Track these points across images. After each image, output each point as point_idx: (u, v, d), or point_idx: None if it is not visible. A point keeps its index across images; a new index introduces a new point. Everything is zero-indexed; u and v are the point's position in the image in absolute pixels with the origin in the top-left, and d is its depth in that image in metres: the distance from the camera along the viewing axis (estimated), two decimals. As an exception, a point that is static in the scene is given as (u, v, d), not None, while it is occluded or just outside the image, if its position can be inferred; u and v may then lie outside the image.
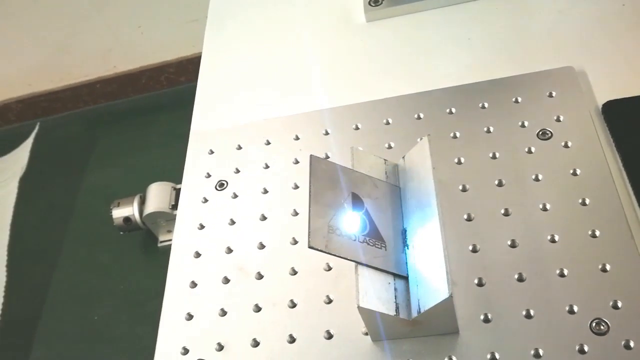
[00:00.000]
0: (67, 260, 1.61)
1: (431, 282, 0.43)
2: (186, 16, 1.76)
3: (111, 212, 1.48)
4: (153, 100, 1.93)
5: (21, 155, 1.82)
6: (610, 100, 0.54)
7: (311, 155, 0.46)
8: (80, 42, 1.83)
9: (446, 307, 0.42)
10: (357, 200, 0.47)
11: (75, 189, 1.74)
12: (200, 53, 1.94)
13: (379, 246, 0.45)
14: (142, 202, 1.49)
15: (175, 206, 1.45)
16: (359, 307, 0.42)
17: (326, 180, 0.46)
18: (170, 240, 1.67)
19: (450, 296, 0.41)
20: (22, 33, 1.79)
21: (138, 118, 1.90)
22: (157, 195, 1.50)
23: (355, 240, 0.44)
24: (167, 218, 1.49)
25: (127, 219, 1.48)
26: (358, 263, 0.44)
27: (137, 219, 1.47)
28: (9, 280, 1.55)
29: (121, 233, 1.50)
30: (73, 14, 1.77)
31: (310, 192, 0.45)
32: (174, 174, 1.61)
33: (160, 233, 1.53)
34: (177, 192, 1.47)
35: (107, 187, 1.70)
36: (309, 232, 0.42)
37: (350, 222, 0.45)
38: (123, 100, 1.94)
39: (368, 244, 0.45)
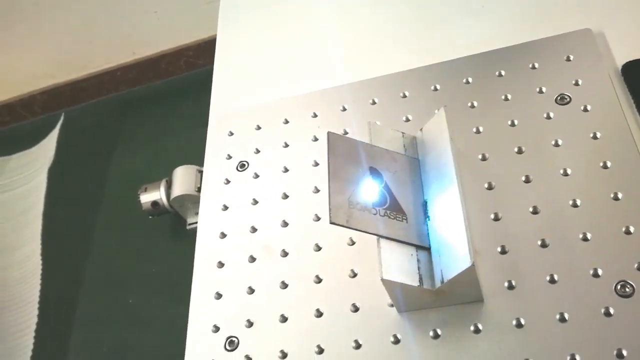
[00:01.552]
0: (99, 245, 1.64)
1: (453, 252, 0.43)
2: (201, -2, 1.77)
3: (139, 197, 1.50)
4: (174, 85, 1.94)
5: (49, 145, 1.86)
6: (631, 61, 0.53)
7: (329, 132, 0.47)
8: (98, 30, 1.84)
9: (469, 275, 0.42)
10: (376, 174, 0.47)
11: (103, 176, 1.77)
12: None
13: (400, 219, 0.46)
14: (169, 186, 1.51)
15: (201, 189, 1.47)
16: (382, 280, 0.43)
17: (345, 156, 0.47)
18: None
19: (473, 264, 0.41)
20: (41, 26, 1.82)
21: (160, 103, 1.91)
22: (183, 178, 1.52)
23: (376, 214, 0.45)
24: (193, 200, 1.51)
25: (155, 203, 1.51)
26: (380, 236, 0.44)
27: (164, 203, 1.50)
28: (45, 268, 1.59)
29: (150, 217, 1.52)
30: (91, 3, 1.78)
31: (329, 168, 0.45)
32: (198, 157, 1.63)
33: (188, 215, 1.55)
34: (202, 174, 1.49)
35: (133, 173, 1.73)
36: (329, 209, 0.43)
37: (370, 196, 0.45)
38: (145, 86, 1.96)
39: (389, 217, 0.45)
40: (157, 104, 1.91)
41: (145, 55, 1.91)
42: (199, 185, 1.48)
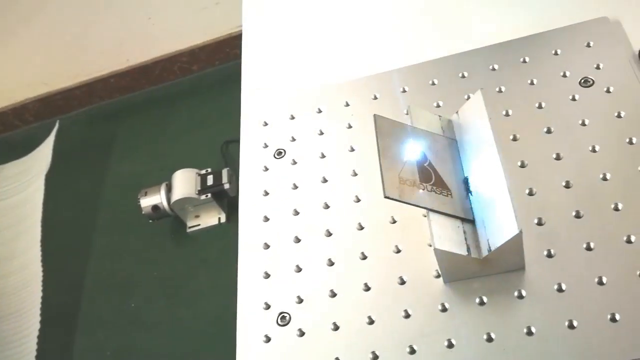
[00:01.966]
0: (100, 251, 1.65)
1: (499, 222, 0.46)
2: (195, 4, 1.79)
3: (139, 202, 1.51)
4: (168, 91, 1.96)
5: (44, 152, 1.86)
6: (646, 46, 0.57)
7: (375, 115, 0.50)
8: (92, 38, 1.85)
9: (516, 242, 0.45)
10: (421, 154, 0.50)
11: (100, 181, 1.78)
12: (211, 40, 1.95)
13: (446, 194, 0.49)
14: (169, 190, 1.53)
15: (201, 191, 1.49)
16: (435, 250, 0.45)
17: (391, 137, 0.50)
18: (199, 225, 1.70)
19: (520, 231, 0.44)
20: (35, 34, 1.82)
21: (155, 109, 1.92)
22: (182, 181, 1.53)
23: (424, 189, 0.48)
24: (194, 203, 1.52)
25: (155, 207, 1.52)
26: (429, 210, 0.47)
27: (165, 206, 1.51)
28: (46, 275, 1.59)
29: (150, 221, 1.53)
30: (83, 11, 1.79)
31: (378, 147, 0.48)
32: (196, 160, 1.65)
33: (188, 218, 1.56)
34: (202, 177, 1.51)
35: (131, 178, 1.74)
36: (383, 184, 0.46)
37: (417, 173, 0.48)
38: (139, 92, 1.97)
39: (435, 192, 0.48)
40: (151, 110, 1.92)
41: (139, 62, 1.92)
42: (199, 188, 1.50)
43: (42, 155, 1.86)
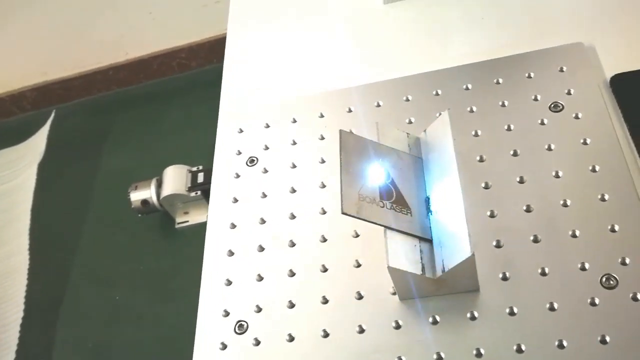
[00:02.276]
0: (87, 242, 1.65)
1: (454, 243, 0.47)
2: (196, 2, 1.79)
3: (129, 196, 1.52)
4: (165, 86, 1.96)
5: (38, 141, 1.86)
6: (618, 74, 0.58)
7: (341, 130, 0.50)
8: (92, 29, 1.86)
9: (469, 265, 0.46)
10: (383, 171, 0.50)
11: (92, 174, 1.78)
12: (210, 38, 1.95)
13: (405, 212, 0.49)
14: (159, 185, 1.53)
15: (191, 188, 1.50)
16: (389, 267, 0.46)
17: (355, 153, 0.50)
18: (187, 221, 1.71)
19: (473, 254, 0.44)
20: (36, 22, 1.83)
21: (151, 103, 1.93)
22: (173, 178, 1.54)
23: (383, 207, 0.48)
24: (183, 200, 1.53)
25: (144, 202, 1.52)
26: (387, 227, 0.48)
27: (154, 202, 1.52)
28: (32, 264, 1.60)
29: (139, 215, 1.54)
30: (85, 3, 1.80)
31: (340, 163, 0.49)
32: (188, 157, 1.66)
33: (177, 215, 1.57)
34: (193, 174, 1.52)
35: (123, 172, 1.74)
36: (341, 200, 0.46)
37: (379, 190, 0.49)
38: (136, 86, 1.98)
39: (395, 210, 0.49)
40: (147, 104, 1.93)
41: (138, 56, 1.93)
42: (189, 185, 1.50)
43: (36, 144, 1.87)
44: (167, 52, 1.92)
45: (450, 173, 0.50)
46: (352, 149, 0.50)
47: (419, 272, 0.47)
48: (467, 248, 0.45)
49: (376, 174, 0.50)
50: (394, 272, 0.47)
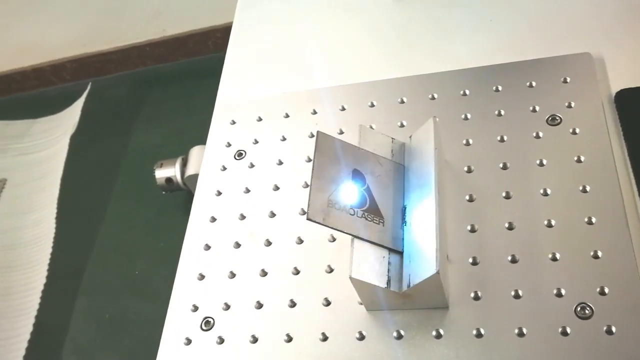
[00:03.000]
0: (113, 215, 1.68)
1: (423, 258, 0.45)
2: (235, -18, 1.78)
3: (154, 173, 1.54)
4: (199, 65, 1.97)
5: (73, 113, 1.90)
6: (624, 89, 0.54)
7: (318, 132, 0.49)
8: (132, 4, 1.88)
9: (434, 282, 0.44)
10: (359, 176, 0.49)
11: (122, 148, 1.81)
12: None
13: (377, 221, 0.48)
14: (184, 164, 1.54)
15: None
16: (350, 278, 0.45)
17: (331, 156, 0.48)
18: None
19: (437, 272, 0.43)
20: (77, -4, 1.86)
21: (184, 82, 1.94)
22: (198, 157, 1.55)
23: (353, 214, 0.47)
24: (207, 180, 1.54)
25: (169, 180, 1.54)
26: (354, 236, 0.46)
27: (178, 180, 1.53)
28: (58, 232, 1.64)
29: (163, 193, 1.56)
30: (125, -22, 1.82)
31: (313, 166, 0.47)
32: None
33: (200, 195, 1.58)
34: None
35: (152, 148, 1.77)
36: (308, 205, 0.45)
37: (350, 196, 0.47)
38: (171, 63, 1.99)
39: (366, 219, 0.47)
40: (181, 82, 1.94)
41: (175, 33, 1.94)
42: (214, 166, 1.51)
43: (71, 116, 1.90)
44: (204, 31, 1.92)
45: (427, 183, 0.48)
46: (328, 151, 0.49)
47: (383, 285, 0.45)
48: (432, 265, 0.43)
49: (349, 180, 0.48)
50: (357, 283, 0.45)
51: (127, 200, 1.71)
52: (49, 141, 1.90)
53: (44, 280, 1.56)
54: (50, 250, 1.61)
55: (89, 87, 1.95)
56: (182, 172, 1.53)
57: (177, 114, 1.85)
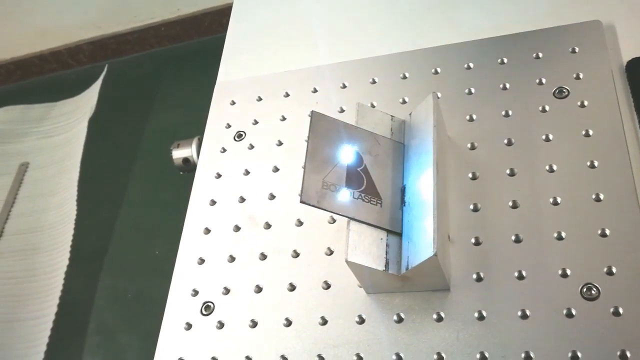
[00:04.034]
0: (132, 197, 1.69)
1: (420, 239, 0.43)
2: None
3: (171, 153, 1.54)
4: (215, 43, 1.95)
5: (91, 96, 1.91)
6: (636, 58, 0.52)
7: (313, 111, 0.47)
8: (145, -16, 1.87)
9: (432, 264, 0.42)
10: (355, 157, 0.47)
11: (140, 129, 1.81)
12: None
13: (374, 202, 0.46)
14: (201, 144, 1.54)
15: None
16: (347, 261, 0.43)
17: (326, 137, 0.47)
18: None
19: (435, 254, 0.41)
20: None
21: (200, 61, 1.93)
22: (214, 137, 1.54)
23: (350, 196, 0.45)
24: (223, 160, 1.54)
25: (185, 160, 1.54)
26: (349, 218, 0.45)
27: (195, 160, 1.53)
28: (79, 214, 1.65)
29: (181, 173, 1.56)
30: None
31: (307, 147, 0.46)
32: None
33: (217, 175, 1.58)
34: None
35: (169, 128, 1.76)
36: (301, 188, 0.44)
37: (344, 177, 0.46)
38: (187, 42, 1.98)
39: (363, 200, 0.46)
40: (197, 62, 1.93)
41: (190, 12, 1.93)
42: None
43: (89, 98, 1.91)
44: (218, 9, 1.91)
45: (427, 162, 0.46)
46: (322, 131, 0.47)
47: (381, 267, 0.44)
48: (430, 247, 0.42)
49: (347, 160, 0.47)
50: (354, 267, 0.44)
51: (145, 181, 1.72)
52: (68, 124, 1.91)
53: (67, 262, 1.58)
54: (72, 232, 1.63)
55: (105, 69, 1.96)
56: (199, 152, 1.53)
57: (194, 94, 1.84)
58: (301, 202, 0.44)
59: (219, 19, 1.92)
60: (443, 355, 0.44)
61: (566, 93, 0.52)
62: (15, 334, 1.49)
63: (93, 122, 1.83)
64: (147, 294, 1.51)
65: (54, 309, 1.49)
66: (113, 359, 1.44)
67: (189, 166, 1.70)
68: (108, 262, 1.58)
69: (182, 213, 0.56)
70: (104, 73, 1.94)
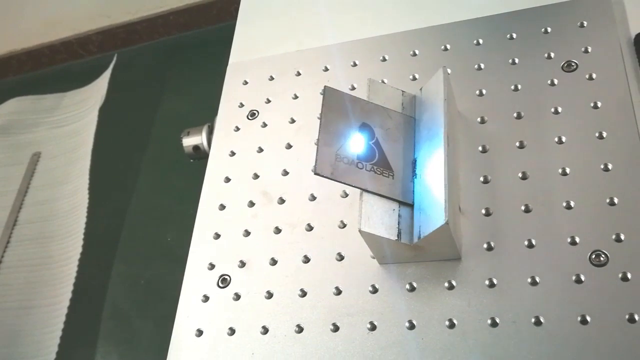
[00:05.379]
0: (143, 185, 1.71)
1: (432, 209, 0.44)
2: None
3: (182, 141, 1.55)
4: (224, 31, 1.95)
5: (101, 85, 1.92)
6: (644, 31, 0.52)
7: (326, 86, 0.48)
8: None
9: (443, 233, 0.43)
10: (367, 130, 0.48)
11: (150, 117, 1.82)
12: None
13: (387, 175, 0.47)
14: (210, 132, 1.55)
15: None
16: (360, 231, 0.44)
17: (338, 111, 0.48)
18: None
19: (446, 223, 0.42)
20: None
21: (209, 49, 1.94)
22: (224, 124, 1.55)
23: (362, 168, 0.47)
24: (233, 147, 1.55)
25: (196, 147, 1.55)
26: (363, 190, 0.46)
27: (205, 148, 1.54)
28: (91, 202, 1.67)
29: (191, 160, 1.57)
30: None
31: (321, 121, 0.47)
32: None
33: (228, 161, 1.59)
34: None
35: (180, 116, 1.78)
36: (316, 160, 0.45)
37: (358, 150, 0.47)
38: (195, 31, 1.99)
39: (375, 172, 0.47)
40: (206, 50, 1.94)
41: (198, 1, 1.93)
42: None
43: (99, 88, 1.92)
44: (226, -4, 1.91)
45: (437, 135, 0.47)
46: (335, 106, 0.48)
47: (394, 237, 0.45)
48: (441, 215, 0.43)
49: (357, 134, 0.48)
50: (367, 237, 0.45)
51: (156, 169, 1.73)
52: (79, 113, 1.93)
53: (80, 249, 1.60)
54: (84, 220, 1.65)
55: (114, 59, 1.97)
56: (209, 140, 1.54)
57: (203, 82, 1.85)
58: (315, 173, 0.45)
59: (227, 7, 1.93)
60: (455, 321, 0.45)
61: (575, 67, 0.52)
62: (31, 320, 1.52)
63: (103, 111, 1.84)
64: (160, 279, 1.52)
65: (69, 295, 1.52)
66: (127, 343, 1.47)
67: (200, 153, 1.72)
68: (121, 249, 1.60)
69: (193, 200, 0.58)
70: (113, 62, 1.96)
